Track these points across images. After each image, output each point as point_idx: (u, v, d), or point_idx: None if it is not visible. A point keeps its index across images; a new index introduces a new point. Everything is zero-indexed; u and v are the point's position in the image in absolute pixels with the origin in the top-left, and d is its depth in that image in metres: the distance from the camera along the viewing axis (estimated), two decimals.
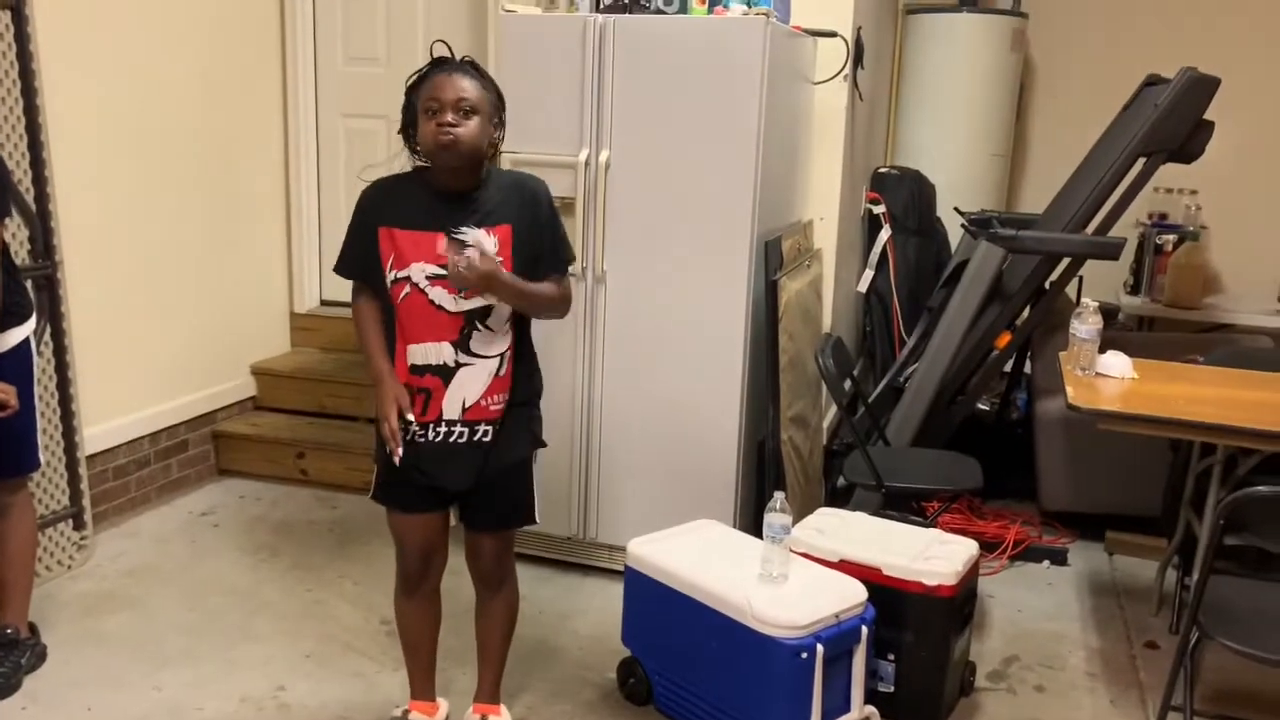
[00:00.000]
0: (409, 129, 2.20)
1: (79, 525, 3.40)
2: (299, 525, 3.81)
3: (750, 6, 3.10)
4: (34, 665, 2.76)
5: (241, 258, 4.33)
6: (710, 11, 3.14)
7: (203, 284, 4.11)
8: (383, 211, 2.19)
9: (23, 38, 3.12)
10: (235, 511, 3.92)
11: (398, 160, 2.31)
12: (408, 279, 2.15)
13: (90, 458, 3.50)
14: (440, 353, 2.19)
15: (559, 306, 2.31)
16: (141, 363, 3.84)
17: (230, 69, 4.16)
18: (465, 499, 2.34)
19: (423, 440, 2.24)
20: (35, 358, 2.71)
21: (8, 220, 2.55)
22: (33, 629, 2.81)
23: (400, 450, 2.19)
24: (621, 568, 2.80)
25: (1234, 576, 2.49)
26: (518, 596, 2.50)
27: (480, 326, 2.19)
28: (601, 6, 3.22)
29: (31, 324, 2.66)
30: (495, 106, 2.18)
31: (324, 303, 4.72)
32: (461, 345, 2.19)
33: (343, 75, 4.59)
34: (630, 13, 3.15)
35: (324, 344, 4.62)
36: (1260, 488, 2.21)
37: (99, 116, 3.55)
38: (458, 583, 2.51)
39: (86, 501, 3.43)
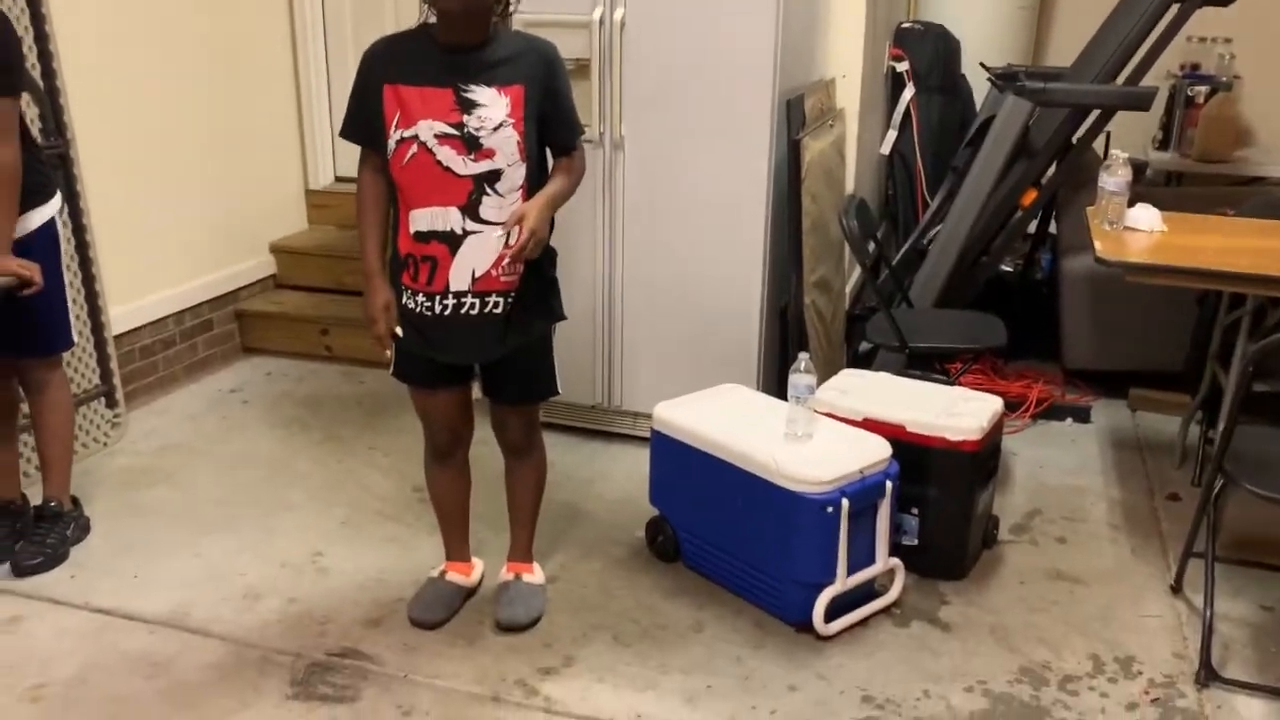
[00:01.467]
0: None
1: (112, 403, 3.45)
2: (327, 400, 3.86)
3: None
4: (79, 537, 2.84)
5: (254, 135, 4.27)
6: None
7: (217, 163, 4.07)
8: (388, 68, 2.10)
9: None
10: (263, 388, 3.96)
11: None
12: (415, 138, 2.07)
13: (117, 338, 3.53)
14: (447, 218, 2.11)
15: (578, 180, 2.26)
16: (160, 242, 3.84)
17: None
18: (486, 372, 2.34)
19: (430, 313, 2.18)
20: (63, 238, 2.71)
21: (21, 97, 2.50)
22: (75, 502, 2.89)
23: (391, 353, 2.23)
24: (646, 434, 2.83)
25: (1260, 425, 2.49)
26: (545, 461, 2.54)
27: (490, 191, 2.11)
28: None
29: (56, 203, 2.65)
30: None
31: (339, 179, 4.67)
32: (470, 211, 2.11)
33: None
34: None
35: (340, 221, 4.59)
36: None
37: (108, 2, 3.46)
38: (487, 450, 2.55)
39: (117, 380, 3.47)
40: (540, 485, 2.55)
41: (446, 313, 2.18)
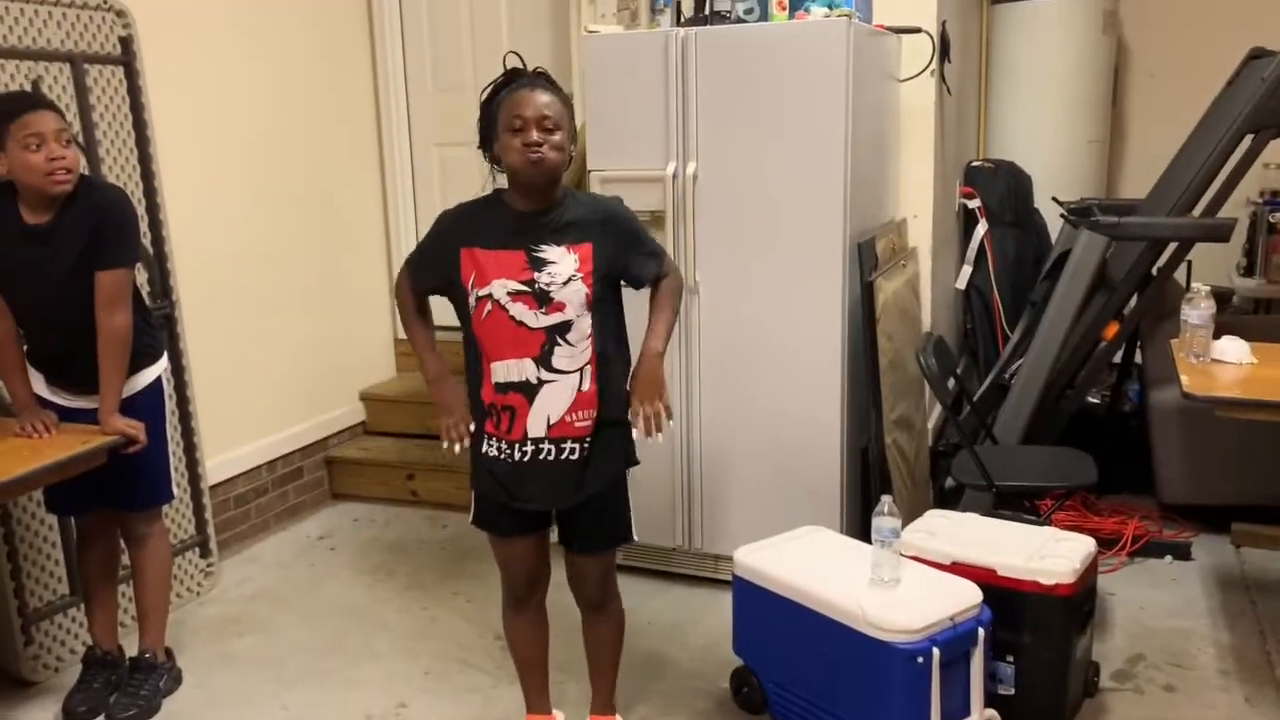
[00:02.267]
0: (487, 142, 2.23)
1: (205, 553, 3.54)
2: (412, 545, 3.90)
3: (832, 9, 3.08)
4: (171, 688, 2.89)
5: (346, 288, 4.47)
6: (791, 17, 3.14)
7: (310, 315, 4.26)
8: (464, 233, 2.23)
9: (135, 90, 3.28)
10: (350, 534, 4.04)
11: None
12: (489, 296, 2.17)
13: (212, 488, 3.65)
14: (523, 369, 2.20)
15: (679, 297, 2.35)
16: (256, 394, 3.99)
17: (326, 104, 4.31)
18: (563, 519, 2.36)
19: (509, 460, 2.25)
20: (166, 395, 2.84)
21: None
22: (169, 653, 2.94)
23: (466, 441, 2.27)
24: (728, 577, 2.80)
25: None
26: (623, 612, 2.51)
27: (561, 341, 2.19)
28: (683, 21, 3.25)
29: (163, 363, 2.79)
30: (571, 119, 2.21)
31: None
32: (543, 361, 2.19)
33: (433, 104, 4.71)
34: (711, 24, 3.17)
35: None
36: None
37: (205, 159, 3.71)
38: (565, 595, 2.54)
39: (211, 530, 3.57)
40: (619, 637, 2.52)
41: (525, 459, 2.24)
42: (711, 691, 2.81)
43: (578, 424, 2.24)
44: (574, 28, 4.07)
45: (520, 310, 2.18)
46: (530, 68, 2.22)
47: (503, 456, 2.26)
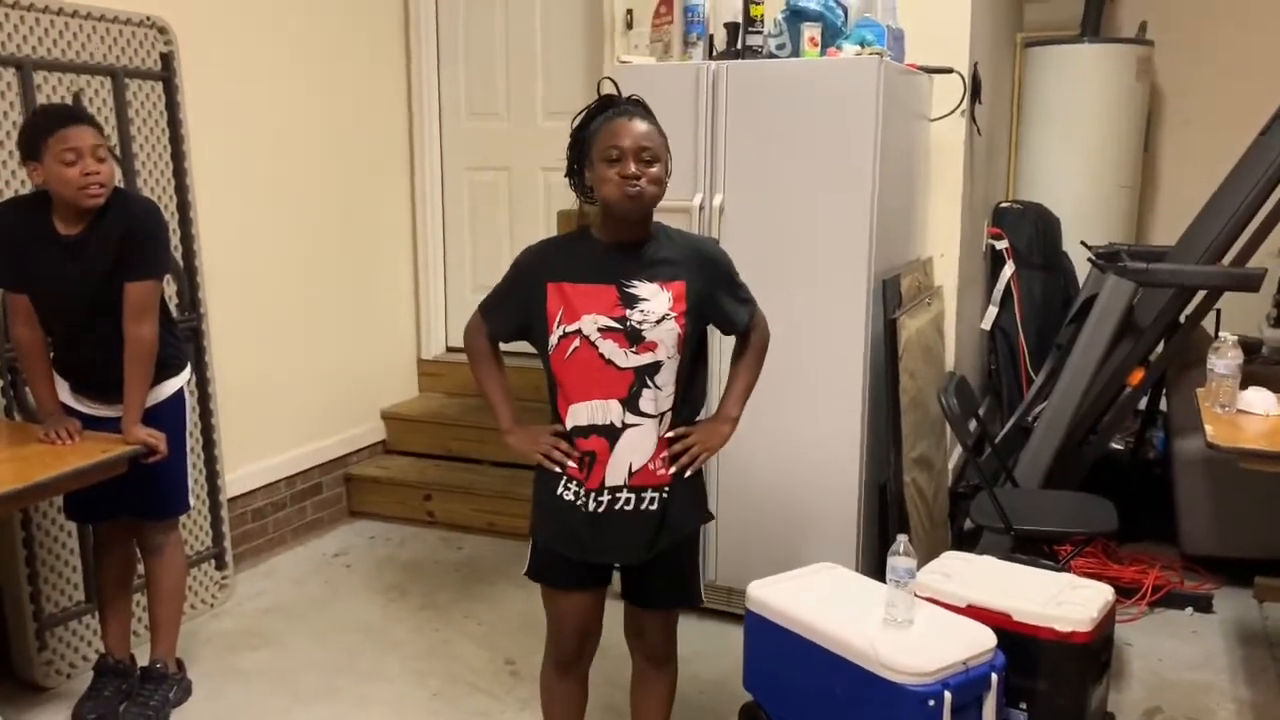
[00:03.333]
0: (577, 171, 2.12)
1: (221, 565, 3.56)
2: (427, 565, 3.91)
3: (864, 47, 3.10)
4: (181, 699, 2.90)
5: (372, 308, 4.51)
6: (823, 54, 3.15)
7: (336, 334, 4.29)
8: (552, 268, 2.12)
9: (173, 105, 3.34)
10: (366, 552, 4.04)
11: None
12: (578, 332, 2.07)
13: (230, 500, 3.67)
14: (607, 411, 2.09)
15: (764, 355, 2.32)
16: (279, 409, 4.02)
17: (360, 125, 4.36)
18: (630, 573, 2.24)
19: (584, 509, 2.13)
20: (189, 407, 2.87)
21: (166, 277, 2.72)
22: (180, 664, 2.95)
23: (573, 463, 2.11)
24: (741, 611, 2.78)
25: None
26: (677, 671, 2.40)
27: (649, 383, 2.09)
28: (715, 54, 3.28)
29: (186, 375, 2.82)
30: (668, 150, 2.10)
31: (449, 349, 4.87)
32: (630, 404, 2.08)
33: (466, 130, 4.76)
34: (743, 59, 3.19)
35: (450, 389, 4.75)
36: None
37: (239, 175, 3.76)
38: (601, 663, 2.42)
39: (228, 543, 3.59)
40: (672, 696, 2.39)
41: (601, 509, 2.12)
42: None
43: (659, 471, 2.13)
44: (607, 58, 4.11)
45: (610, 348, 2.07)
46: (625, 95, 2.14)
47: (579, 504, 2.13)
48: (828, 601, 2.61)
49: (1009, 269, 4.48)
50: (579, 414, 2.11)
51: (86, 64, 3.07)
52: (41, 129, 2.48)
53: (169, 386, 2.75)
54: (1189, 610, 3.51)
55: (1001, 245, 4.51)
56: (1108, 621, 2.63)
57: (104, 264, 2.54)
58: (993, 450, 3.67)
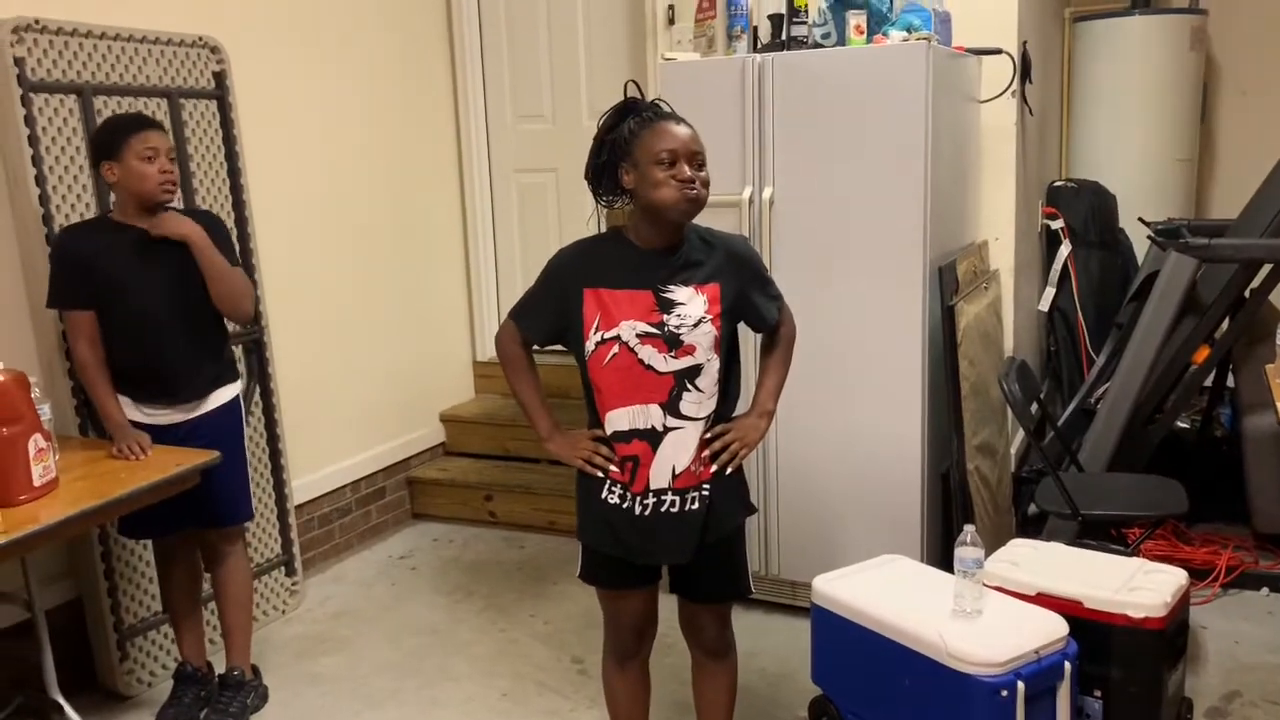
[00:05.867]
0: (604, 173, 2.12)
1: (290, 572, 3.63)
2: (490, 566, 3.95)
3: (910, 32, 3.07)
4: (258, 706, 2.96)
5: (427, 312, 4.56)
6: (869, 41, 3.12)
7: (393, 339, 4.35)
8: (587, 273, 2.12)
9: (227, 123, 3.40)
10: (430, 554, 4.10)
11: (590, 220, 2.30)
12: (616, 338, 2.07)
13: (297, 508, 3.74)
14: (648, 416, 2.09)
15: (793, 349, 2.32)
16: (340, 416, 4.09)
17: (409, 133, 4.41)
18: (679, 569, 2.25)
19: (630, 513, 2.14)
20: (245, 416, 2.93)
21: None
22: (255, 671, 3.02)
23: (614, 467, 2.12)
24: (806, 604, 2.77)
25: None
26: (737, 660, 2.42)
27: (690, 386, 2.09)
28: (759, 46, 3.26)
29: (241, 385, 2.89)
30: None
31: None
32: (670, 407, 2.09)
33: (512, 132, 4.79)
34: (788, 49, 3.18)
35: (505, 390, 4.78)
36: None
37: (293, 188, 3.82)
38: (662, 656, 2.52)
39: (296, 549, 3.66)
40: (735, 686, 2.41)
41: (647, 513, 2.13)
42: (789, 719, 2.80)
43: (701, 472, 2.15)
44: (650, 55, 4.10)
45: (649, 354, 2.07)
46: (650, 99, 2.13)
47: (625, 507, 2.15)
48: (894, 594, 2.60)
49: (1065, 248, 4.41)
50: (619, 419, 2.12)
51: (144, 86, 3.14)
52: (123, 129, 2.61)
53: (228, 391, 2.82)
54: (1265, 590, 3.44)
55: (1057, 225, 4.43)
56: (1182, 605, 2.58)
57: (178, 261, 2.64)
58: (1056, 434, 3.62)
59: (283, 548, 3.61)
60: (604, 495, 2.16)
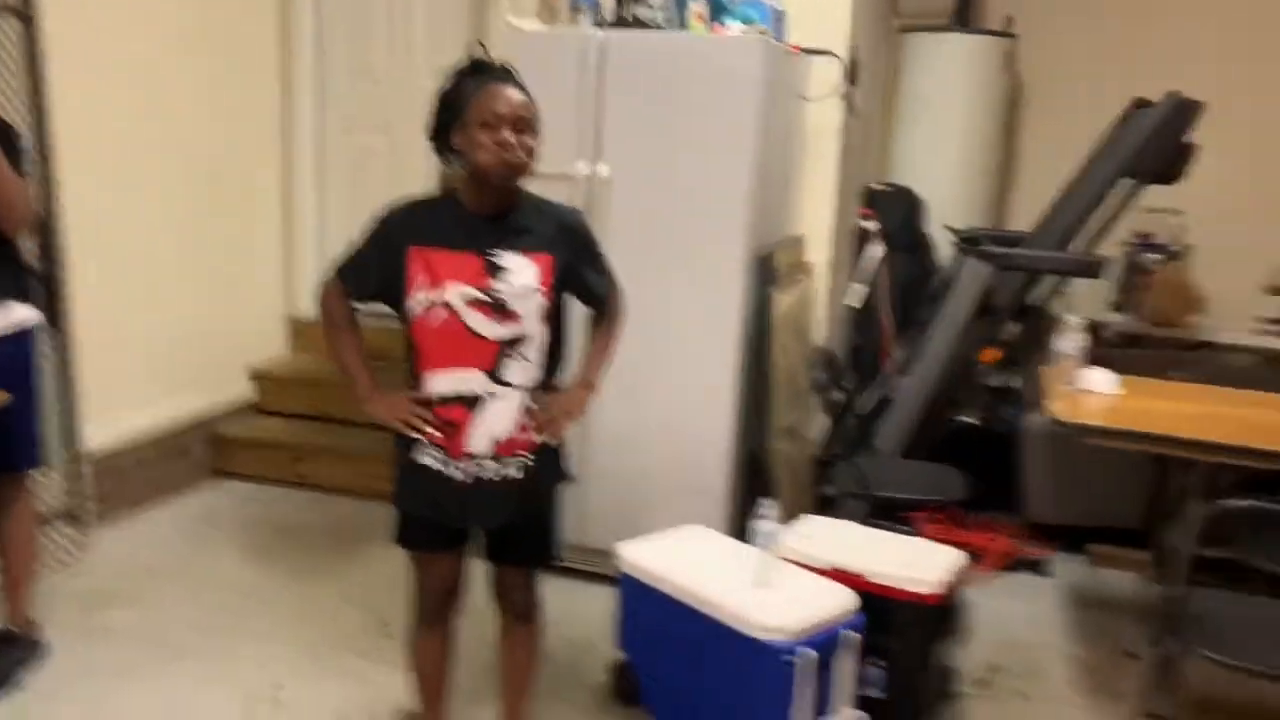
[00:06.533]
0: (442, 133, 2.08)
1: (78, 523, 3.44)
2: (296, 527, 3.86)
3: (748, 25, 3.17)
4: (33, 660, 2.80)
5: (240, 264, 4.39)
6: (709, 29, 3.21)
7: (203, 289, 4.17)
8: (413, 231, 2.09)
9: (33, 46, 3.17)
10: (234, 513, 3.96)
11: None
12: (443, 301, 2.05)
13: (94, 458, 3.54)
14: (470, 381, 2.09)
15: (621, 325, 2.35)
16: (143, 364, 3.90)
17: (232, 76, 4.23)
18: (491, 533, 2.27)
19: (446, 476, 2.14)
20: (43, 357, 2.75)
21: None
22: (33, 624, 2.86)
23: (433, 431, 2.10)
24: (609, 572, 2.85)
25: (1213, 589, 2.56)
26: (544, 624, 2.45)
27: (515, 354, 2.10)
28: (602, 22, 3.30)
29: (36, 314, 2.69)
30: (539, 121, 2.10)
31: None
32: (494, 374, 2.09)
33: (343, 90, 4.65)
34: (631, 28, 3.22)
35: (321, 349, 4.65)
36: (1237, 502, 2.28)
37: (105, 124, 3.61)
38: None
39: (87, 500, 3.47)
40: (539, 650, 2.45)
41: (463, 477, 2.13)
42: (590, 684, 2.87)
43: (521, 441, 2.15)
44: (491, 20, 4.07)
45: (476, 319, 2.06)
46: (496, 61, 2.10)
47: (440, 471, 2.14)
48: (697, 562, 2.71)
49: (877, 249, 4.65)
50: (441, 383, 2.11)
51: None
52: None
53: (15, 313, 2.61)
54: (1030, 574, 3.75)
55: (871, 226, 4.67)
56: (957, 584, 2.80)
57: None
58: (856, 421, 3.83)
59: (71, 497, 3.42)
60: (421, 459, 2.16)
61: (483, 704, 2.63)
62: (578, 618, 3.21)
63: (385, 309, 2.17)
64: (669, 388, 3.29)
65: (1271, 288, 4.90)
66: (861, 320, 4.71)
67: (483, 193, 2.08)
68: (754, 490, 3.44)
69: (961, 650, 3.05)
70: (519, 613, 2.39)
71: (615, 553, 2.80)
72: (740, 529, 3.34)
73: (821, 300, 4.05)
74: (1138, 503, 3.76)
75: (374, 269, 2.14)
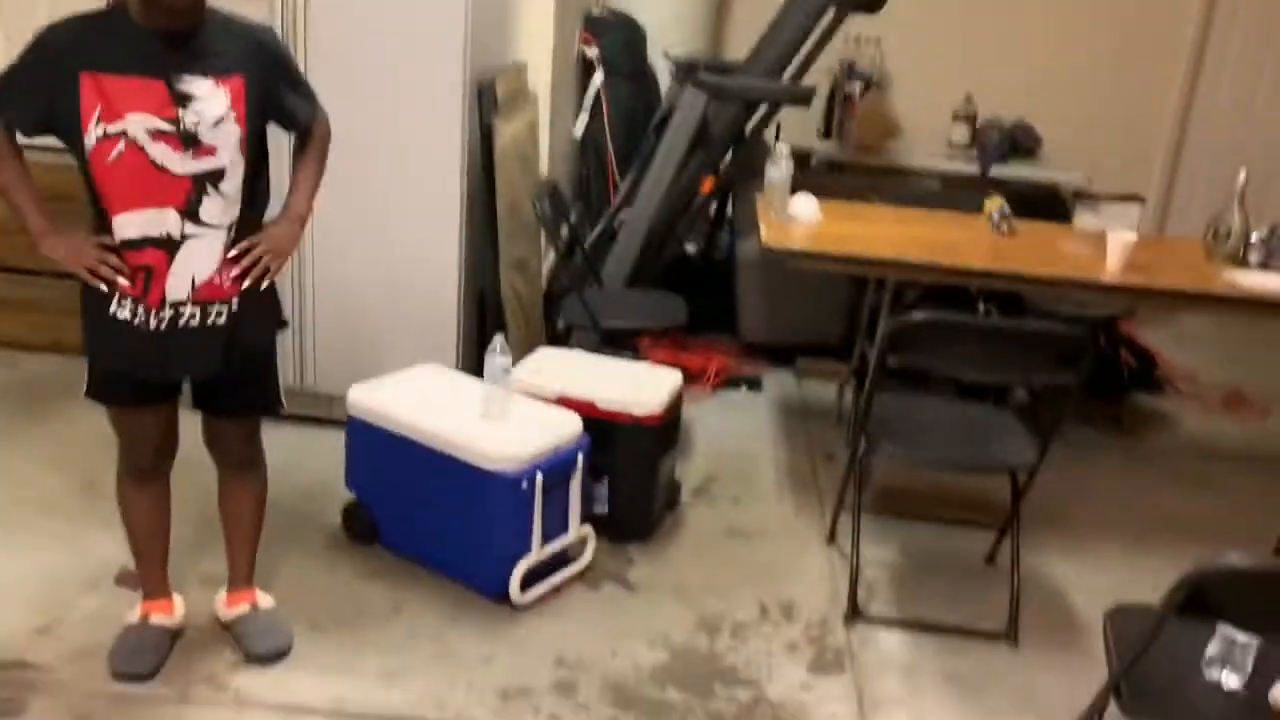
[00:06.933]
0: None
1: None
2: None
3: None
4: None
5: None
6: None
7: None
8: (86, 55, 1.85)
9: None
10: None
11: None
12: (122, 134, 1.86)
13: None
14: (163, 222, 1.92)
15: (327, 148, 2.21)
16: None
17: None
18: (202, 384, 2.16)
19: (145, 327, 1.98)
20: None
21: None
22: None
23: (124, 280, 1.95)
24: (344, 418, 2.81)
25: (896, 393, 2.84)
26: (267, 475, 2.37)
27: (211, 191, 1.94)
28: None
29: None
30: None
31: None
32: (189, 213, 1.93)
33: None
34: None
35: None
36: (918, 314, 2.52)
37: None
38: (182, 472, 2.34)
39: None
40: (264, 501, 2.38)
41: (163, 327, 1.98)
42: (323, 527, 2.85)
43: (227, 284, 2.02)
44: None
45: (162, 153, 1.88)
46: None
47: (136, 322, 1.98)
48: (428, 401, 2.72)
49: (599, 77, 4.63)
50: (129, 225, 1.93)
51: None
52: None
53: None
54: (743, 390, 4.03)
55: (593, 53, 4.63)
56: (677, 404, 2.97)
57: None
58: (583, 254, 3.89)
59: None
60: (113, 310, 1.99)
61: (206, 555, 2.56)
62: (307, 465, 3.15)
63: (57, 142, 1.93)
64: (391, 224, 3.18)
65: (958, 114, 5.32)
66: (587, 151, 4.72)
67: (152, 6, 1.86)
68: (485, 327, 3.45)
69: (682, 463, 3.27)
70: (238, 464, 2.31)
71: (345, 398, 2.75)
72: (473, 366, 3.37)
73: (545, 130, 4.01)
74: (839, 320, 4.08)
75: (37, 97, 1.89)
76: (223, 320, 2.05)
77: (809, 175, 4.63)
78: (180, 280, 1.98)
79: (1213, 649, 1.85)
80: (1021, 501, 2.70)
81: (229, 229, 2.01)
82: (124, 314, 1.99)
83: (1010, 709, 2.37)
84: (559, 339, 3.90)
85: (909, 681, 2.44)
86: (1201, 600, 1.60)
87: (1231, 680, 1.83)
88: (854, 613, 2.64)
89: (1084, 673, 2.29)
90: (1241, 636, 1.81)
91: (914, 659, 2.52)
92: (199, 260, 1.98)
